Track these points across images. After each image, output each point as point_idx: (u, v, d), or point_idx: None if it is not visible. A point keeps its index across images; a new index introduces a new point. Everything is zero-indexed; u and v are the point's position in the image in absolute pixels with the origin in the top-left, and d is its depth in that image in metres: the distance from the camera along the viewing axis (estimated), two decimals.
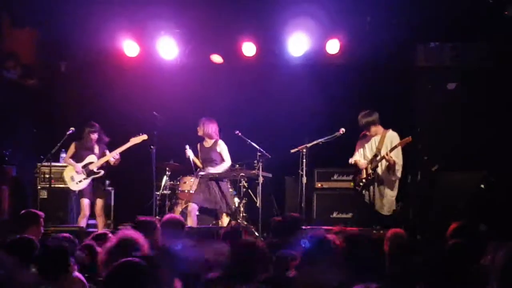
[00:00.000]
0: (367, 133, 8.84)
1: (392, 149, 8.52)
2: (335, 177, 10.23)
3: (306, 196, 9.22)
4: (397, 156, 8.57)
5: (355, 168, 9.01)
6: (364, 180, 8.77)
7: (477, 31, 10.00)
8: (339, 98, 10.55)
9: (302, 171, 9.05)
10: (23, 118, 10.85)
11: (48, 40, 11.08)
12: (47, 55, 11.41)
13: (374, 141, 8.83)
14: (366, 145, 8.90)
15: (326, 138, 9.02)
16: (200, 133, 9.71)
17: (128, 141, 9.40)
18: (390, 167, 8.59)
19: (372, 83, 10.68)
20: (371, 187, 8.74)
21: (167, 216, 6.53)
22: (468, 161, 9.84)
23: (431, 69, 10.57)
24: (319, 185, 10.34)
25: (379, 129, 8.82)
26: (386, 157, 8.48)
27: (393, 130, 9.33)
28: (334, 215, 10.09)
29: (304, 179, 9.06)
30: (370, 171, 8.70)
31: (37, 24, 10.86)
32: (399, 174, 8.67)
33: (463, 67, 10.41)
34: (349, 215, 9.55)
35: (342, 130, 8.93)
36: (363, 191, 8.86)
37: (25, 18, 10.72)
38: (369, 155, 8.84)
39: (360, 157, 8.98)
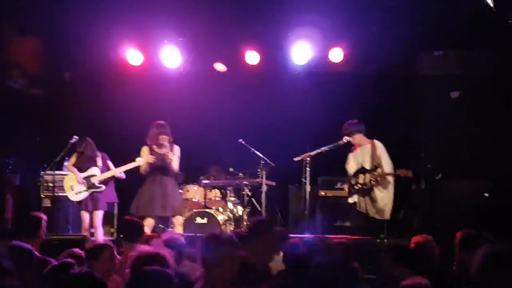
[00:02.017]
0: (351, 139, 8.81)
1: (388, 174, 8.54)
2: (338, 185, 10.17)
3: (310, 205, 9.19)
4: (386, 164, 8.61)
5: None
6: (359, 185, 8.73)
7: (481, 40, 9.99)
8: (342, 107, 10.52)
9: (306, 179, 9.02)
10: (27, 127, 10.86)
11: (52, 49, 11.11)
12: (51, 64, 11.44)
13: (364, 151, 8.82)
14: (357, 153, 8.87)
15: (329, 146, 9.00)
16: (165, 140, 8.89)
17: (134, 160, 9.22)
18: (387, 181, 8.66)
19: (376, 91, 10.67)
20: (363, 196, 8.71)
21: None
22: (472, 169, 9.82)
23: (434, 77, 10.56)
24: (323, 193, 10.31)
25: (363, 138, 8.83)
26: (377, 180, 8.54)
27: (397, 138, 9.37)
28: (338, 223, 10.04)
29: (308, 188, 9.04)
30: (367, 180, 8.67)
31: (41, 34, 10.90)
32: (390, 179, 8.63)
33: (467, 75, 10.40)
34: (349, 224, 9.50)
35: (346, 138, 8.91)
36: (355, 197, 8.82)
37: (29, 28, 10.75)
38: (367, 164, 8.81)
39: (352, 164, 8.93)
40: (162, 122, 9.02)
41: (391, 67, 10.53)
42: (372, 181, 8.57)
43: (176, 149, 9.05)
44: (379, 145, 8.77)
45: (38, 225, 6.52)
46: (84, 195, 9.12)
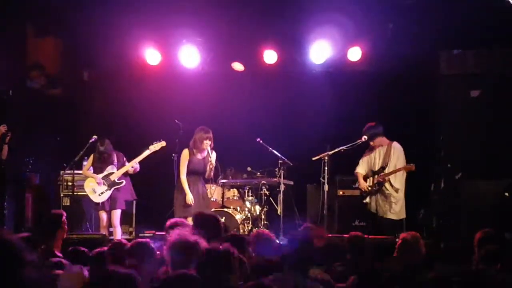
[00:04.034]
0: (371, 143, 8.97)
1: (392, 173, 8.73)
2: (357, 184, 10.14)
3: (328, 204, 9.18)
4: (393, 165, 8.81)
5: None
6: (369, 188, 8.93)
7: (500, 38, 9.90)
8: (360, 106, 10.50)
9: (324, 178, 9.02)
10: (47, 126, 10.93)
11: (71, 49, 11.18)
12: (70, 64, 11.51)
13: (380, 152, 8.97)
14: (373, 155, 9.02)
15: (347, 145, 9.00)
16: (209, 146, 8.91)
17: (147, 148, 9.29)
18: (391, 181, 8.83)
19: (394, 90, 10.62)
20: (374, 196, 8.91)
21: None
22: (492, 169, 9.74)
23: (454, 76, 10.48)
24: (341, 192, 10.27)
25: (384, 140, 8.96)
26: (384, 179, 8.76)
27: (416, 138, 9.33)
28: (356, 223, 9.98)
29: (326, 187, 9.04)
30: (375, 182, 8.83)
31: (60, 34, 10.97)
32: (396, 177, 8.81)
33: (487, 74, 10.31)
34: (364, 223, 9.51)
35: (364, 137, 8.90)
36: (367, 199, 9.00)
37: (49, 27, 10.83)
38: (377, 166, 8.93)
39: (364, 167, 9.08)
40: (205, 127, 9.00)
41: (410, 66, 10.46)
42: (379, 181, 8.73)
43: (214, 155, 9.09)
44: (395, 147, 8.86)
45: (57, 223, 6.50)
46: (107, 194, 9.14)
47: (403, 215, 8.85)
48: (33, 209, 10.48)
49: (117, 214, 9.16)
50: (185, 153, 9.04)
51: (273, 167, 9.99)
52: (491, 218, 8.93)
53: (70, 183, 9.96)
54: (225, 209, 10.18)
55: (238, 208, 10.45)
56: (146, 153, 9.21)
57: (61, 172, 10.28)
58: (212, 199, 10.27)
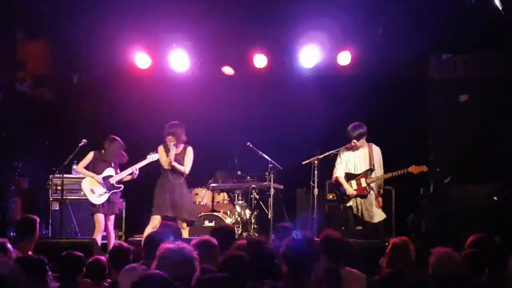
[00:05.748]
0: (356, 143, 8.84)
1: (401, 174, 8.71)
2: (350, 189, 10.16)
3: (318, 208, 9.18)
4: (380, 169, 8.82)
5: (337, 182, 9.01)
6: (355, 192, 8.81)
7: (490, 43, 9.96)
8: (350, 110, 10.52)
9: (314, 182, 9.01)
10: (36, 130, 10.88)
11: (61, 52, 11.14)
12: (60, 67, 11.47)
13: (361, 154, 8.91)
14: (353, 157, 8.95)
15: (337, 149, 9.00)
16: (172, 141, 8.78)
17: (144, 158, 9.06)
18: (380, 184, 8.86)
19: (384, 95, 10.65)
20: (359, 199, 8.82)
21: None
22: (480, 173, 9.78)
23: (443, 81, 10.53)
24: (331, 196, 10.28)
25: (364, 141, 8.91)
26: (378, 180, 8.77)
27: (405, 142, 9.34)
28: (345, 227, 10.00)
29: (316, 191, 9.02)
30: (365, 185, 8.76)
31: (50, 36, 10.94)
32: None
33: (476, 79, 10.36)
34: (361, 227, 9.52)
35: (354, 141, 8.91)
36: (350, 202, 8.88)
37: (38, 30, 10.79)
38: (360, 168, 8.88)
39: (343, 171, 8.97)
40: (174, 122, 8.93)
41: (399, 70, 10.50)
42: (370, 184, 8.73)
43: (188, 150, 8.97)
44: (375, 149, 8.87)
45: (30, 228, 6.46)
46: (106, 197, 8.96)
47: (384, 215, 8.88)
48: (22, 213, 10.41)
49: (112, 218, 9.06)
50: (159, 149, 9.00)
51: (263, 171, 10.00)
52: (480, 222, 8.97)
53: (59, 187, 9.90)
54: (215, 213, 10.20)
55: (228, 212, 10.46)
56: (143, 162, 9.06)
57: (51, 176, 10.23)
58: (202, 203, 10.27)
